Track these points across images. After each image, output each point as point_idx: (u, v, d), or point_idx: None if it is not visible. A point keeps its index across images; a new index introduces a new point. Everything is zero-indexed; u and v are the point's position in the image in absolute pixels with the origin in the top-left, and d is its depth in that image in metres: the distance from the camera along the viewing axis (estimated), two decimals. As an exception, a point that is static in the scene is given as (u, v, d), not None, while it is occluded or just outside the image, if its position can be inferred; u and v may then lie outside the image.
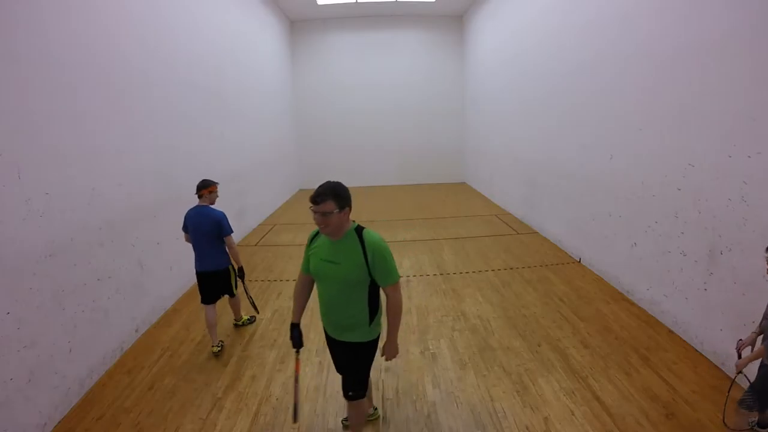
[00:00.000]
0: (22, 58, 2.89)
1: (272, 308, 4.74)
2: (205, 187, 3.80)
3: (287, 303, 4.86)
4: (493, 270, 5.69)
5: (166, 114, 5.04)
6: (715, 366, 3.39)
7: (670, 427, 2.76)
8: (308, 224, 8.66)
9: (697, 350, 3.60)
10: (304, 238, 7.58)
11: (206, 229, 3.71)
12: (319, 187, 2.13)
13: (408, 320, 4.34)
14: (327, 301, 2.33)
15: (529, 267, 5.75)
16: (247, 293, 4.17)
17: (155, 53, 4.81)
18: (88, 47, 3.63)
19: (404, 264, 6.01)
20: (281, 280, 5.58)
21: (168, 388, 3.34)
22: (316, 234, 2.35)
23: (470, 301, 4.73)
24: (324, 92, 13.03)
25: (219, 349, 3.85)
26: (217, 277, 3.87)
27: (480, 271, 5.65)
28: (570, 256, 6.09)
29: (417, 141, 13.38)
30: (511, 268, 5.72)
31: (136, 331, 4.15)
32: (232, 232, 3.82)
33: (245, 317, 4.41)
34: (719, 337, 3.34)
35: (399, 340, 3.92)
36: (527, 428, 2.80)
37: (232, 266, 3.97)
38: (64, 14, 3.35)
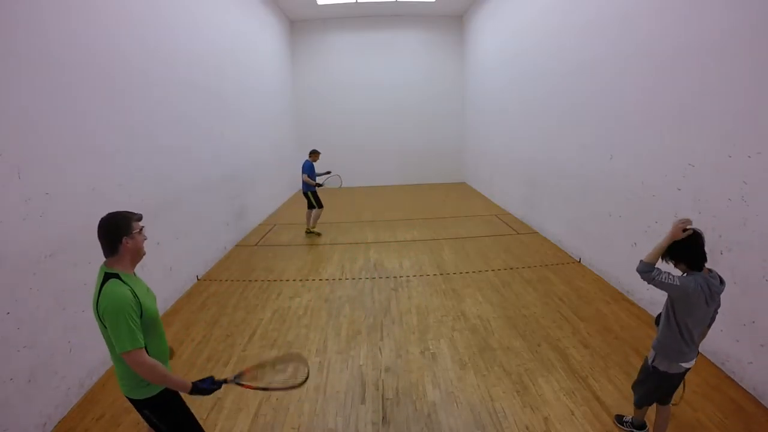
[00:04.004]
0: (22, 58, 2.90)
1: (272, 308, 4.73)
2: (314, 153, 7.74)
3: (287, 303, 4.85)
4: (493, 270, 5.69)
5: (166, 114, 5.04)
6: (715, 366, 3.40)
7: (670, 427, 2.76)
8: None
9: (697, 350, 3.60)
10: (304, 238, 7.65)
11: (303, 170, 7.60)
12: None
13: (408, 320, 4.35)
14: (164, 348, 2.04)
15: (529, 267, 5.76)
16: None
17: (155, 53, 4.81)
18: (88, 47, 3.63)
19: (404, 264, 6.02)
20: (281, 280, 5.58)
21: (168, 388, 3.33)
22: (123, 282, 1.91)
23: (470, 301, 4.73)
24: (324, 92, 13.04)
25: (317, 233, 7.70)
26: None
27: (480, 271, 5.65)
28: (570, 256, 6.09)
29: (417, 141, 13.39)
30: (511, 268, 5.72)
31: (136, 331, 4.14)
32: (305, 172, 7.49)
33: (315, 229, 7.74)
34: (719, 337, 3.34)
35: (399, 340, 3.99)
36: (527, 428, 2.80)
37: (312, 192, 7.60)
38: (64, 14, 3.35)
